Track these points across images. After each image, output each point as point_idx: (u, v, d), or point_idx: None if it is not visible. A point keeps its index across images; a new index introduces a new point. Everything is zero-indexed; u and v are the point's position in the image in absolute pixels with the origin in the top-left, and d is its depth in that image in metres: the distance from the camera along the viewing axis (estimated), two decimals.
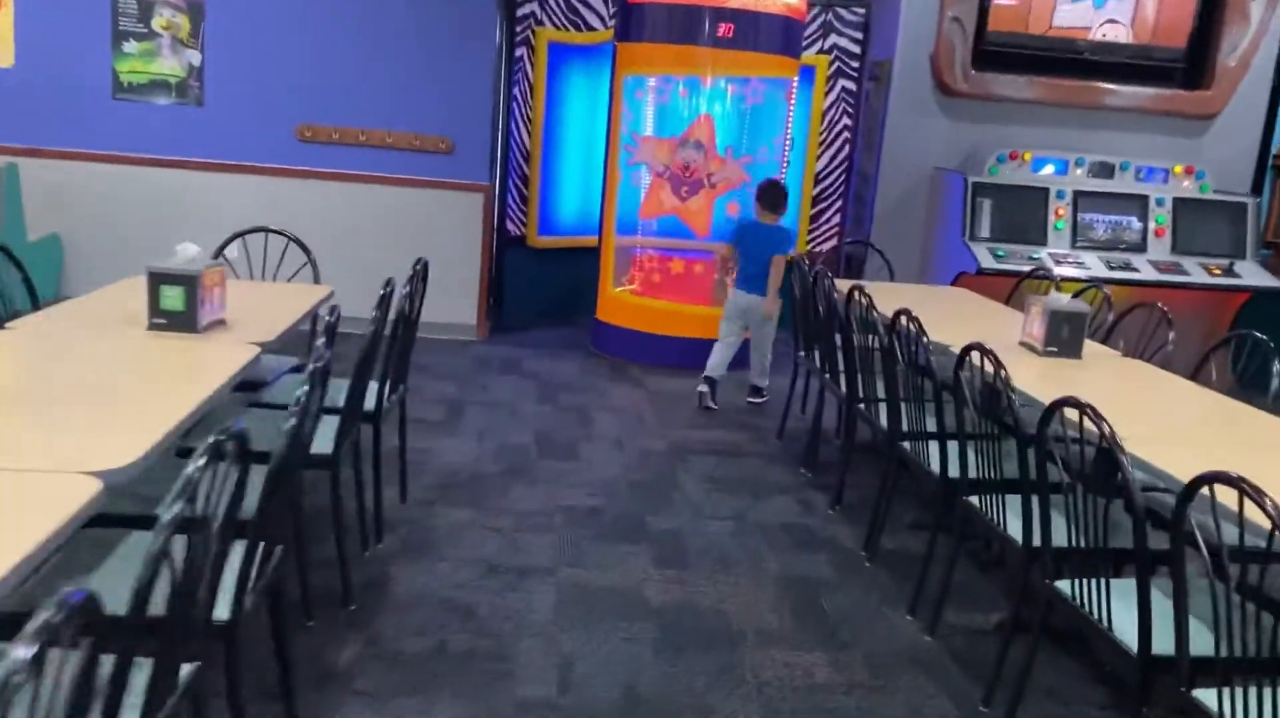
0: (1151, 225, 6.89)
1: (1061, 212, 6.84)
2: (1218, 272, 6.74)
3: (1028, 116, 7.24)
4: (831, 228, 7.96)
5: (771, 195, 5.97)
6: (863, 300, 4.02)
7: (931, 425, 3.49)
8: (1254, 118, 7.33)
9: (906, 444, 3.73)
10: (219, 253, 4.22)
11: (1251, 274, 6.76)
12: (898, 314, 3.62)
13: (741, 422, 5.60)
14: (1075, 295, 4.56)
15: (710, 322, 6.69)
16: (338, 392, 3.18)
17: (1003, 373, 2.89)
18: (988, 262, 6.55)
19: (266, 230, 4.31)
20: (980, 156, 7.02)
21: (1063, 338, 3.72)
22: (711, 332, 6.67)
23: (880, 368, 4.08)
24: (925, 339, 3.48)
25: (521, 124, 7.38)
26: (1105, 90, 7.14)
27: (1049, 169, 6.99)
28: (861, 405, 4.22)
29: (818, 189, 7.92)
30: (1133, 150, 7.27)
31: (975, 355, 3.03)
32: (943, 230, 7.06)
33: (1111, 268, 6.68)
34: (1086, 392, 2.51)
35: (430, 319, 7.07)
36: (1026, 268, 6.55)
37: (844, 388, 4.40)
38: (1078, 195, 6.87)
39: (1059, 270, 6.60)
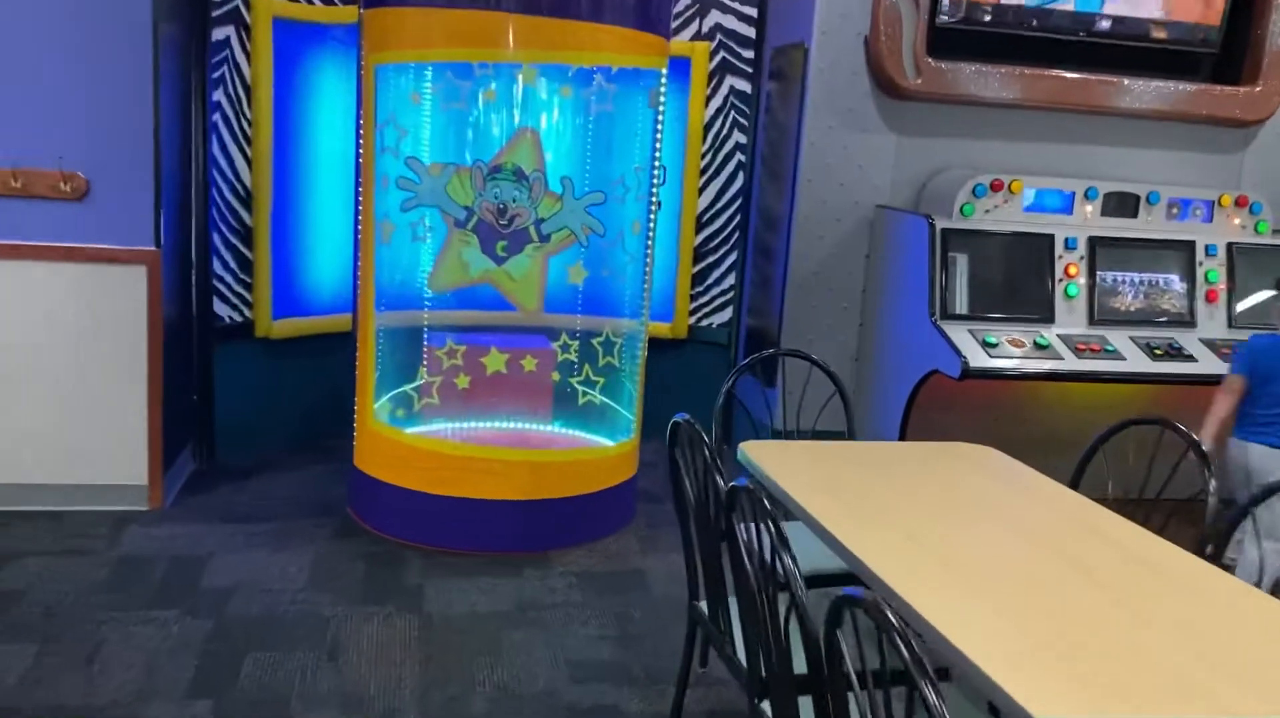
0: (1200, 286, 4.61)
1: (1073, 269, 4.49)
2: None
3: (1011, 125, 4.88)
4: (721, 295, 5.45)
5: None
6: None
7: None
8: None
9: None
10: None
11: None
12: None
13: (604, 673, 2.97)
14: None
15: (555, 469, 4.03)
16: None
17: None
18: (978, 357, 4.13)
19: None
20: (947, 188, 4.63)
21: None
22: (559, 485, 4.02)
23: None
24: None
25: (233, 148, 4.63)
26: (1115, 86, 4.84)
27: (1049, 204, 4.64)
28: None
29: (700, 239, 5.40)
30: (1154, 172, 5.00)
31: None
32: (898, 304, 4.62)
33: (1155, 355, 4.35)
34: None
35: (64, 482, 3.97)
36: (1040, 362, 4.17)
37: None
38: (1095, 244, 4.54)
39: (1081, 363, 4.24)
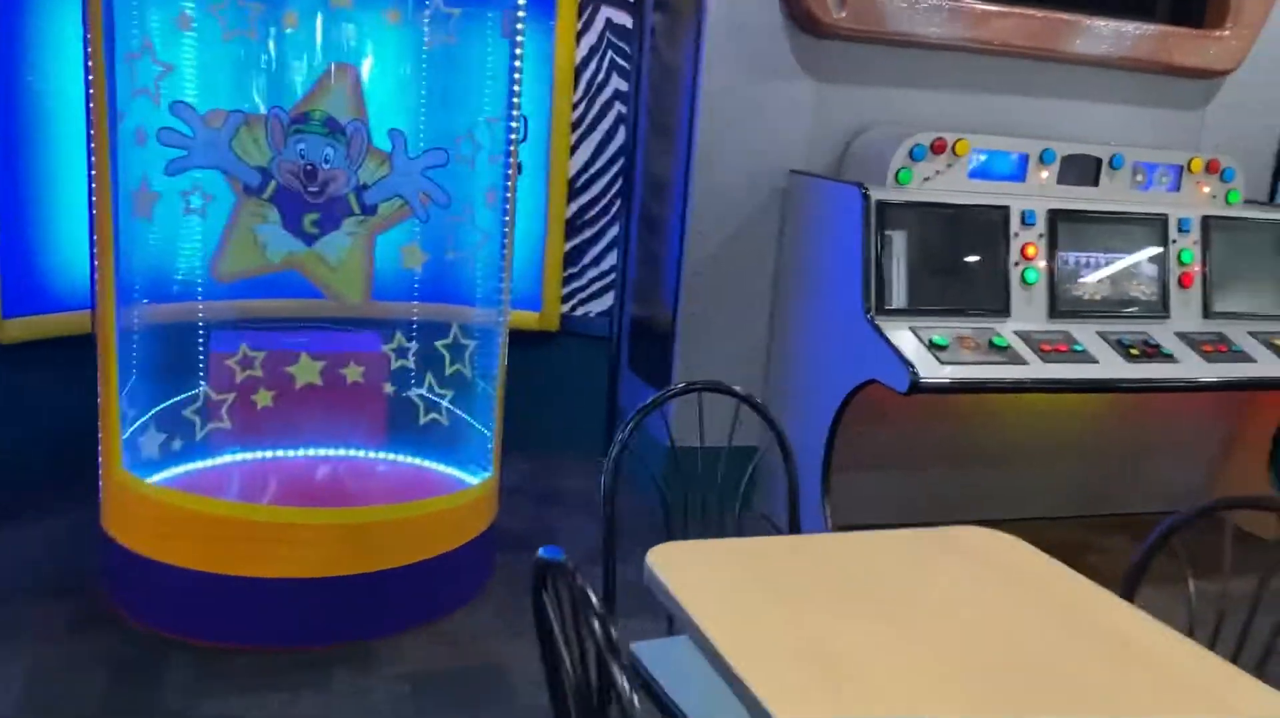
0: (1173, 269, 3.85)
1: (1032, 250, 3.66)
2: None
3: (951, 71, 4.01)
4: (600, 278, 4.46)
5: None
6: None
7: None
8: (1278, 76, 4.46)
9: None
10: None
11: None
12: None
13: None
14: None
15: (381, 532, 2.95)
16: None
17: None
18: (928, 365, 3.25)
19: None
20: (877, 149, 3.73)
21: None
22: (388, 552, 2.94)
23: None
24: None
25: None
26: (1068, 25, 4.02)
27: (999, 169, 3.81)
28: None
29: (573, 209, 4.40)
30: (1107, 130, 4.23)
31: None
32: (820, 293, 3.72)
33: (1131, 355, 3.57)
34: None
35: None
36: (1001, 368, 3.35)
37: None
38: (1055, 218, 3.72)
39: (1049, 368, 3.43)
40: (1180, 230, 3.84)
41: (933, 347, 3.34)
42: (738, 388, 2.28)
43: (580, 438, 4.45)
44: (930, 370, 3.22)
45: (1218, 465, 4.30)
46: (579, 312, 4.48)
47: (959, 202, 3.61)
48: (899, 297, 3.49)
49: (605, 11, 4.21)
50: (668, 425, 2.37)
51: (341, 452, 3.64)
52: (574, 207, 4.37)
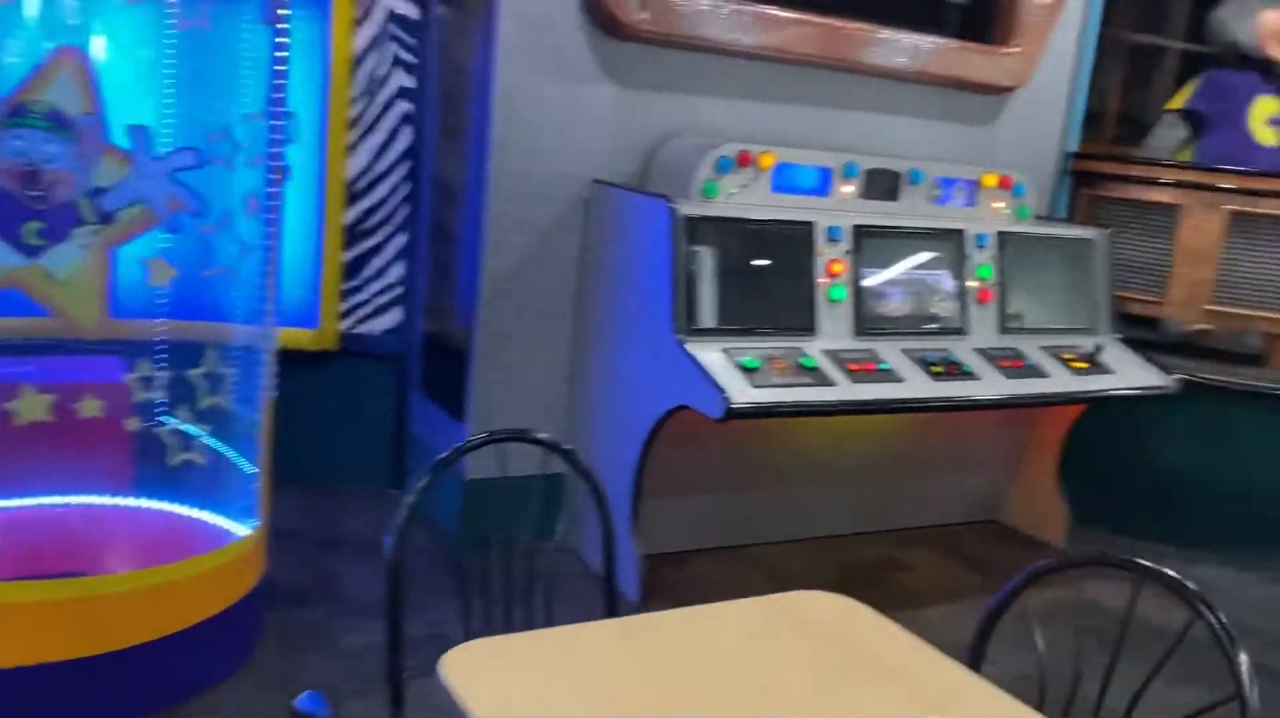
0: (971, 284, 3.85)
1: (838, 267, 3.56)
2: (1082, 364, 3.87)
3: (753, 80, 3.86)
4: (386, 291, 4.07)
5: None
6: None
7: None
8: (1058, 93, 4.59)
9: None
10: None
11: (1127, 365, 3.96)
12: None
13: None
14: None
15: (120, 605, 2.46)
16: None
17: None
18: (740, 389, 3.07)
19: None
20: (682, 159, 3.54)
21: None
22: (130, 627, 2.45)
23: None
24: None
25: None
26: (864, 35, 3.96)
27: (803, 183, 3.69)
28: None
29: (352, 216, 3.99)
30: (908, 143, 4.22)
31: None
32: (625, 312, 3.49)
33: (935, 373, 3.53)
34: None
35: None
36: (811, 390, 3.22)
37: None
38: (860, 234, 3.63)
39: (857, 388, 3.33)
40: (977, 246, 3.85)
41: (743, 369, 3.17)
42: (544, 434, 2.00)
43: (365, 468, 4.05)
44: (742, 396, 3.05)
45: (1010, 475, 4.38)
46: (362, 329, 4.07)
47: (765, 217, 3.47)
48: (708, 316, 3.30)
49: (386, 0, 3.82)
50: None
51: (77, 500, 3.12)
52: (353, 213, 3.96)
